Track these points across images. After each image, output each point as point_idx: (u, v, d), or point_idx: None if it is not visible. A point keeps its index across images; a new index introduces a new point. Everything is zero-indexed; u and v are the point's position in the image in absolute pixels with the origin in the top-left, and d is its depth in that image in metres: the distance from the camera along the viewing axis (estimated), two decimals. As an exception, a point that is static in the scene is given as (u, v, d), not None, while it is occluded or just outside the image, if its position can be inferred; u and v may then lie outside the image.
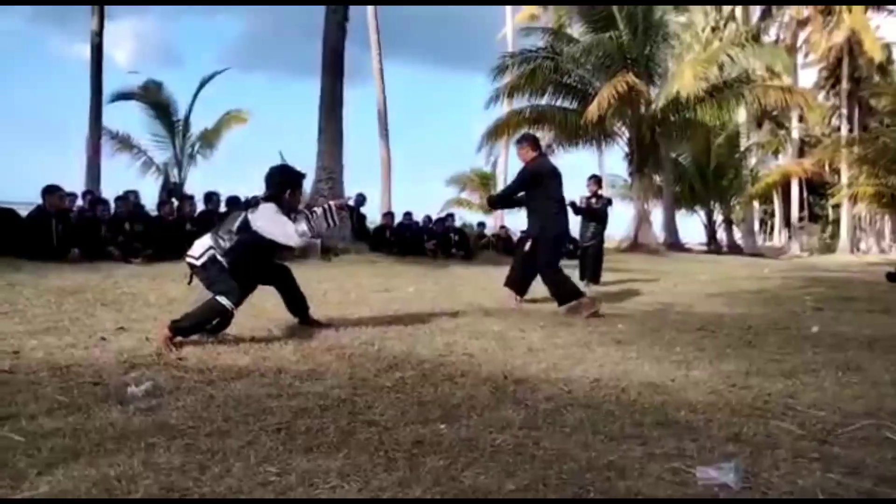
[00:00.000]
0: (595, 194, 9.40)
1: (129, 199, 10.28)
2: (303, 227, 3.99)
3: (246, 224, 3.97)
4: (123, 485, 1.92)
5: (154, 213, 10.58)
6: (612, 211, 9.95)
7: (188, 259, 4.04)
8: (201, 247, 3.99)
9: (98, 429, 2.37)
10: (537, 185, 6.04)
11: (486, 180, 31.10)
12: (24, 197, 10.70)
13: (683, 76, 17.43)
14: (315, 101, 12.11)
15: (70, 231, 8.57)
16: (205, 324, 3.92)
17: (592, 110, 17.00)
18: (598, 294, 7.43)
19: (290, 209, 4.12)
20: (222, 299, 3.84)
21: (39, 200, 8.65)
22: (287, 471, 2.05)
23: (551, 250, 6.09)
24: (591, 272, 8.89)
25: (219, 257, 3.94)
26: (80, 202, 10.24)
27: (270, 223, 3.96)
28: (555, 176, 6.15)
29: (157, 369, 3.25)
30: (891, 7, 30.98)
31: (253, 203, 4.44)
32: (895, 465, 2.26)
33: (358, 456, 2.19)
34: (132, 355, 3.51)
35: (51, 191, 8.61)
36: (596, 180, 9.68)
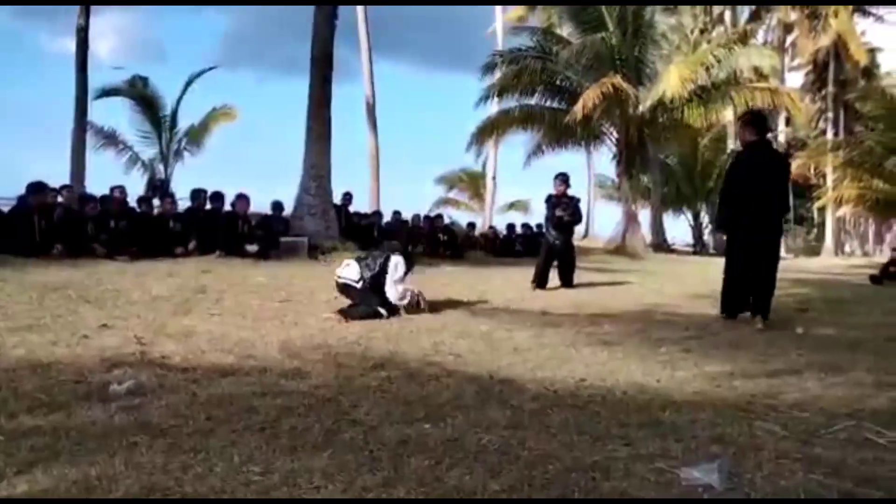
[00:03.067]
0: (563, 194, 8.41)
1: (116, 196, 10.16)
2: (403, 296, 5.47)
3: (385, 267, 5.44)
4: (104, 484, 1.90)
5: (136, 208, 10.45)
6: (583, 207, 9.20)
7: (344, 280, 5.42)
8: (356, 273, 5.40)
9: (79, 427, 2.34)
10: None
11: (475, 180, 31.10)
12: (7, 193, 10.55)
13: (670, 77, 17.53)
14: (302, 99, 12.05)
15: (53, 227, 8.47)
16: (366, 318, 5.12)
17: (576, 111, 17.04)
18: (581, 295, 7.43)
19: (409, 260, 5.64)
20: (381, 310, 5.22)
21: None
22: (270, 470, 2.04)
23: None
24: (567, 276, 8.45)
25: (366, 283, 5.38)
26: (59, 198, 10.09)
27: (391, 278, 5.42)
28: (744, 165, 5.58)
29: (140, 368, 3.22)
30: (877, 13, 31.37)
31: (389, 247, 5.77)
32: (876, 466, 2.28)
33: (342, 455, 2.18)
34: (115, 353, 3.48)
35: (38, 190, 8.53)
36: (563, 179, 8.49)
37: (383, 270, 5.43)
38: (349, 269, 5.47)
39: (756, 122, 5.80)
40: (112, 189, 10.44)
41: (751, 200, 5.45)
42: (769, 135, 5.98)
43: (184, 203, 10.97)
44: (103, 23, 41.96)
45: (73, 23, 15.05)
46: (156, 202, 11.10)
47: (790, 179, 5.53)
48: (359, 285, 5.38)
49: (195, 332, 4.14)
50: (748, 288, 5.56)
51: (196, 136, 20.52)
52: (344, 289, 5.46)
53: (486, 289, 7.67)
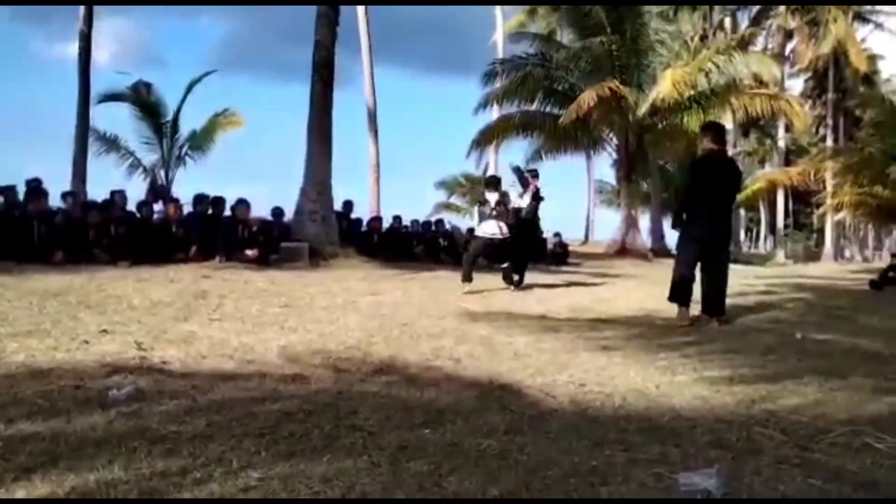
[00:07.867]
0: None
1: (116, 201, 10.18)
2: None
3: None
4: (103, 490, 1.90)
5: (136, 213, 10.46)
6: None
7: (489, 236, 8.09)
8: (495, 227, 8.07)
9: (78, 433, 2.34)
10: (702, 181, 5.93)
11: (475, 185, 31.11)
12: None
13: (664, 81, 17.56)
14: (302, 105, 12.06)
15: (53, 233, 8.47)
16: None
17: (571, 111, 17.03)
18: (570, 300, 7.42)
19: None
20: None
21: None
22: (270, 476, 2.04)
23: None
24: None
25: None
26: (61, 204, 10.12)
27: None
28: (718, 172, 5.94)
29: (140, 373, 3.22)
30: (876, 20, 31.47)
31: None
32: (875, 471, 2.28)
33: (342, 461, 2.18)
34: (115, 359, 3.47)
35: (36, 195, 8.57)
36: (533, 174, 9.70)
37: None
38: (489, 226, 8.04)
39: (717, 131, 6.29)
40: (112, 193, 10.45)
41: (717, 203, 5.94)
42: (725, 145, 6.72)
43: (187, 208, 10.98)
44: (104, 29, 42.06)
45: (69, 27, 15.20)
46: (157, 207, 11.10)
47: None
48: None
49: (195, 337, 4.14)
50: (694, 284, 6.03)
51: (199, 142, 20.47)
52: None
53: (485, 293, 7.68)
